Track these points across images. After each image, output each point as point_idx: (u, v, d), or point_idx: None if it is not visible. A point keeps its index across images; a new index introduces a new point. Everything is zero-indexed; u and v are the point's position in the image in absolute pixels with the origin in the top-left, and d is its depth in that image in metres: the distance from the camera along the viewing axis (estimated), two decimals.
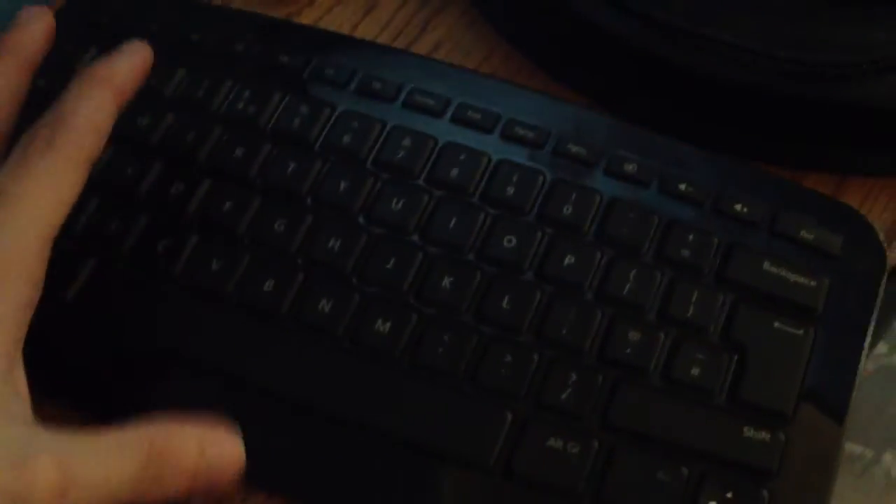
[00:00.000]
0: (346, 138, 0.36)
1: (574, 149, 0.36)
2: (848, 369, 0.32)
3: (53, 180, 0.29)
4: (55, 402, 0.30)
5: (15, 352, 0.27)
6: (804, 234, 0.34)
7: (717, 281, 0.33)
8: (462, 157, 0.36)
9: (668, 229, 0.34)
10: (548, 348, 0.32)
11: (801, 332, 0.33)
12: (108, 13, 0.41)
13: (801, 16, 0.37)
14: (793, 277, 0.33)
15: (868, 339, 0.33)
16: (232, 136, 0.37)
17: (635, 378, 0.32)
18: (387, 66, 0.39)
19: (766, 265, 0.34)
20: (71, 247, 0.34)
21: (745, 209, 0.35)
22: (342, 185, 0.35)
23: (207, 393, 0.33)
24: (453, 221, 0.34)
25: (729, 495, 0.30)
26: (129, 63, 0.32)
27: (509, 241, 0.34)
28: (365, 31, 0.43)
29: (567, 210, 0.35)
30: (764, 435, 0.31)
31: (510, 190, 0.35)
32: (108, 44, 0.35)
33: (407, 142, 0.36)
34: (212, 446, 0.27)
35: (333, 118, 0.37)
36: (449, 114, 0.37)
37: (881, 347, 0.99)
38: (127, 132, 0.36)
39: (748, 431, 0.31)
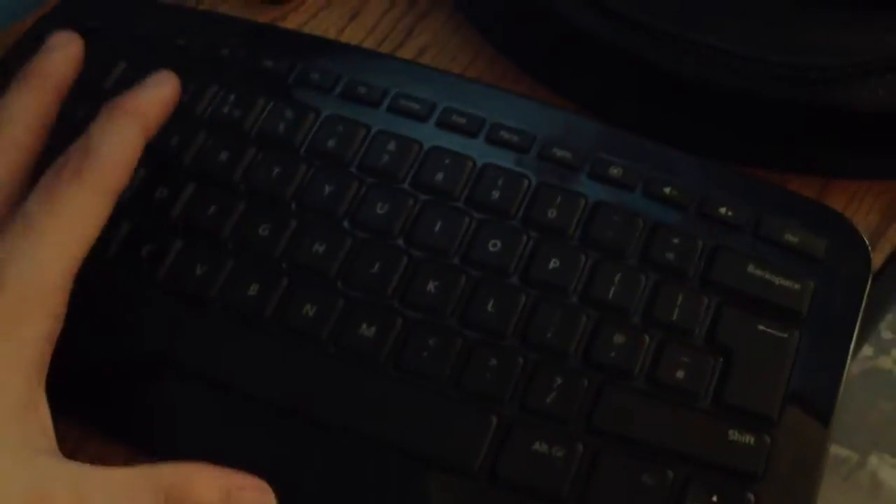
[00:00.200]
0: (331, 142, 0.36)
1: (559, 153, 0.36)
2: (833, 372, 0.32)
3: (79, 213, 0.29)
4: None
5: (38, 385, 0.27)
6: (789, 237, 0.34)
7: (702, 284, 0.33)
8: (447, 161, 0.36)
9: (653, 232, 0.34)
10: (533, 352, 0.32)
11: (786, 335, 0.33)
12: (95, 17, 0.40)
13: (783, 19, 0.37)
14: (777, 280, 0.33)
15: (853, 342, 0.33)
16: (216, 141, 0.37)
17: (620, 381, 0.32)
18: (372, 71, 0.38)
19: (751, 268, 0.34)
20: None
21: (729, 212, 0.35)
22: (327, 190, 0.35)
23: (192, 397, 0.33)
24: (438, 225, 0.34)
25: (714, 499, 0.30)
26: (157, 95, 0.32)
27: (494, 244, 0.34)
28: (350, 36, 0.43)
29: (552, 214, 0.35)
30: (749, 438, 0.31)
31: (495, 194, 0.35)
32: (95, 47, 0.35)
33: (392, 146, 0.36)
34: (239, 498, 0.27)
35: (318, 122, 0.37)
36: (434, 118, 0.37)
37: (866, 350, 1.00)
38: None
39: (733, 434, 0.31)
